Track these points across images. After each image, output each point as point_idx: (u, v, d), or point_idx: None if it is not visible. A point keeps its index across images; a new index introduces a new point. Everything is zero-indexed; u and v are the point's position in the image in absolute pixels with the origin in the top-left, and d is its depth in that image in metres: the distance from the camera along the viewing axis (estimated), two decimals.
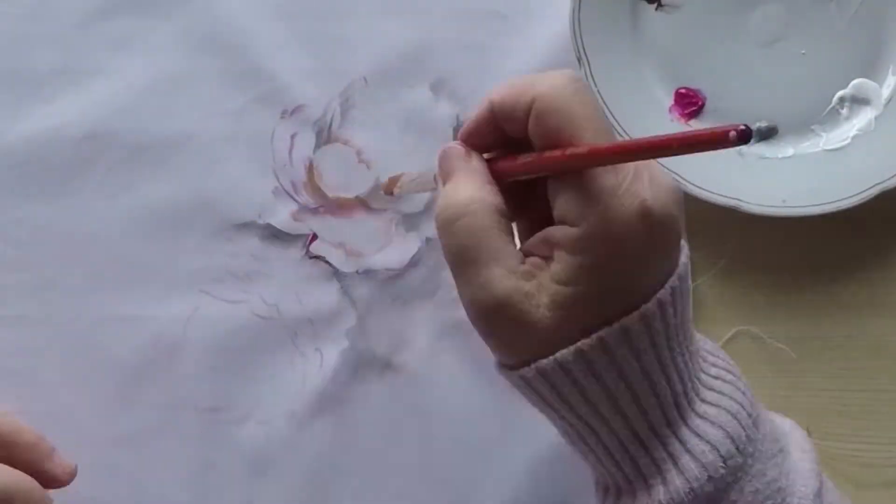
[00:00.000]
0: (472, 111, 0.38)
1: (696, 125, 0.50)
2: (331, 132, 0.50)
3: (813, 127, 0.50)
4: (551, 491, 0.48)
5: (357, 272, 0.50)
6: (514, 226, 0.38)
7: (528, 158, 0.36)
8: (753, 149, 0.50)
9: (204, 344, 0.49)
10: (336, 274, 0.50)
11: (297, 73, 0.50)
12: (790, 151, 0.50)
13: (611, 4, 0.49)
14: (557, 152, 0.34)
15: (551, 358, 0.35)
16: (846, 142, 0.50)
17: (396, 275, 0.50)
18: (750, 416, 0.37)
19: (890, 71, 0.50)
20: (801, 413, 0.48)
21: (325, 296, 0.49)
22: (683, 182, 0.48)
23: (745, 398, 0.37)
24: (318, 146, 0.50)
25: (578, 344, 0.34)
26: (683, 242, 0.37)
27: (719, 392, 0.37)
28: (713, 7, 0.50)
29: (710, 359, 0.39)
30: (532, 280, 0.35)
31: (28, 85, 0.50)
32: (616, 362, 0.34)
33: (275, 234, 0.50)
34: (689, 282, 0.37)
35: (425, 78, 0.50)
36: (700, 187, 0.48)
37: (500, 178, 0.37)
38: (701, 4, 0.50)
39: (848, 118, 0.50)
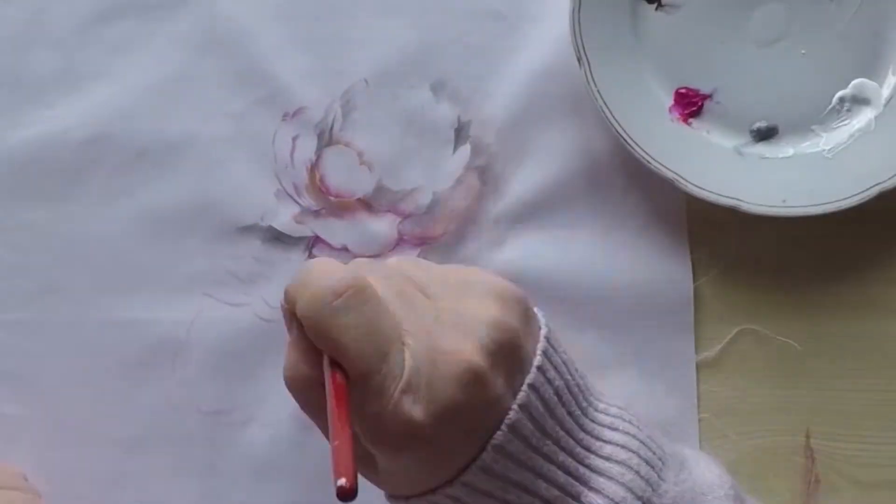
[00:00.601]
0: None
1: (696, 124, 0.50)
2: (332, 134, 0.50)
3: (813, 127, 0.50)
4: None
5: None
6: None
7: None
8: (754, 149, 0.50)
9: (207, 347, 0.49)
10: None
11: (298, 76, 0.50)
12: (790, 151, 0.50)
13: (611, 4, 0.49)
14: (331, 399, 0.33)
15: (437, 491, 0.35)
16: (846, 142, 0.50)
17: None
18: (648, 481, 0.36)
19: (890, 71, 0.50)
20: (802, 412, 0.49)
21: None
22: (683, 182, 0.48)
23: (643, 462, 0.36)
24: (319, 148, 0.50)
25: (446, 490, 0.34)
26: (540, 318, 0.37)
27: (614, 465, 0.36)
28: (713, 7, 0.50)
29: (607, 434, 0.37)
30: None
31: (29, 89, 0.50)
32: (487, 492, 0.34)
33: (277, 237, 0.50)
34: (561, 356, 0.37)
35: (426, 79, 0.50)
36: (700, 187, 0.48)
37: None
38: (701, 4, 0.50)
39: (848, 118, 0.50)
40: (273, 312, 0.49)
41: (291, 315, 0.35)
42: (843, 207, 0.48)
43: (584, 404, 0.37)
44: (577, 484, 0.35)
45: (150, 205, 0.50)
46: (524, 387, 0.35)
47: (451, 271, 0.37)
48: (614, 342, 0.49)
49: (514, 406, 0.34)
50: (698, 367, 0.49)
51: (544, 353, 0.35)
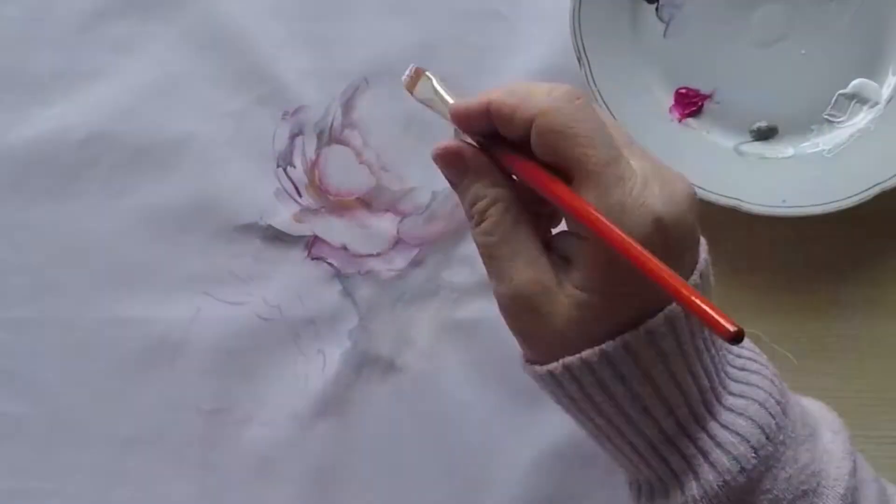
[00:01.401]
0: (465, 100, 0.37)
1: (695, 125, 0.51)
2: (332, 133, 0.50)
3: (813, 127, 0.50)
4: (554, 491, 0.49)
5: (359, 273, 0.50)
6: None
7: (530, 174, 0.36)
8: (754, 149, 0.50)
9: (206, 345, 0.49)
10: (338, 275, 0.50)
11: (297, 74, 0.50)
12: (790, 151, 0.50)
13: (611, 5, 0.49)
14: (559, 189, 0.34)
15: (577, 356, 0.35)
16: (846, 142, 0.50)
17: (398, 275, 0.50)
18: (779, 403, 0.37)
19: (890, 71, 0.50)
20: None
21: (327, 297, 0.49)
22: None
23: (774, 386, 0.37)
24: (319, 147, 0.50)
25: (602, 346, 0.34)
26: (701, 238, 0.37)
27: (746, 383, 0.37)
28: (713, 7, 0.50)
29: (736, 349, 0.39)
30: (553, 278, 0.35)
31: (29, 87, 0.50)
32: (641, 365, 0.35)
33: (276, 236, 0.50)
34: (711, 276, 0.37)
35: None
36: (700, 187, 0.48)
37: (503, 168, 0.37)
38: (701, 5, 0.50)
39: (848, 118, 0.50)
40: (272, 311, 0.49)
41: (479, 127, 0.37)
42: (842, 207, 0.48)
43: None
44: (712, 398, 0.36)
45: (149, 203, 0.50)
46: (701, 260, 0.36)
47: None
48: None
49: (697, 272, 0.35)
50: None
51: (705, 260, 0.36)
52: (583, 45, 0.48)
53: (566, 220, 0.36)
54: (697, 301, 0.30)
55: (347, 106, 0.50)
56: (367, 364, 0.49)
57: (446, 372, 0.49)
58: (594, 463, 0.48)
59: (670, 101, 0.51)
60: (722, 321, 0.30)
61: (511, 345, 0.48)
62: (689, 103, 0.51)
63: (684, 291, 0.31)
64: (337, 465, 0.49)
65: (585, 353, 0.35)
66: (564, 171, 0.34)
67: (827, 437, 0.38)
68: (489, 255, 0.36)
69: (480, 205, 0.36)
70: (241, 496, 0.49)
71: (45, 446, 0.49)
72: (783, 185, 0.49)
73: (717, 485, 0.35)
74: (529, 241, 0.36)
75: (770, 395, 0.37)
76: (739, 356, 0.38)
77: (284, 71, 0.50)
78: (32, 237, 0.50)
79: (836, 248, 0.50)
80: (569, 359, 0.35)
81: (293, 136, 0.50)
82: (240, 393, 0.49)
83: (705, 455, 0.36)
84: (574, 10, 0.48)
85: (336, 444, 0.49)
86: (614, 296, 0.34)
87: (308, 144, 0.50)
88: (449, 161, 0.38)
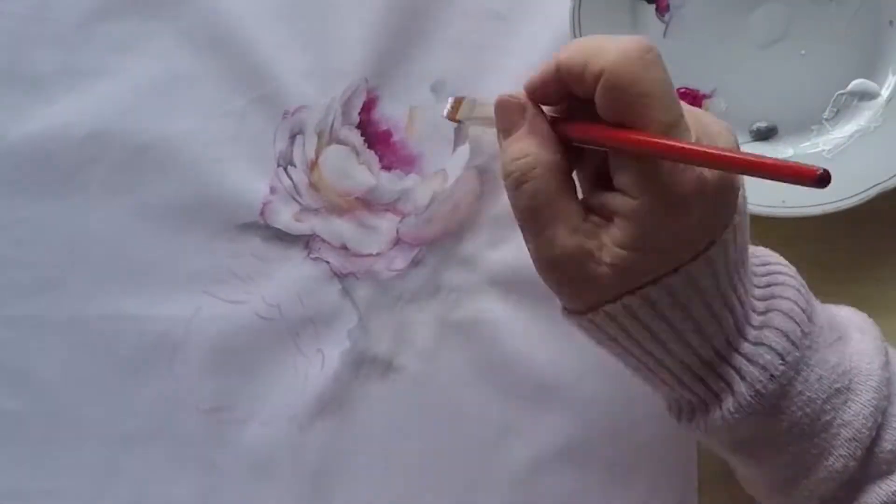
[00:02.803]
0: (539, 66, 0.37)
1: None
2: (332, 133, 0.50)
3: (813, 127, 0.50)
4: (552, 491, 0.49)
5: (358, 273, 0.50)
6: (575, 176, 0.38)
7: (593, 130, 0.36)
8: (753, 149, 0.50)
9: (206, 344, 0.49)
10: (337, 274, 0.50)
11: (298, 74, 0.50)
12: (790, 151, 0.50)
13: (610, 4, 0.49)
14: (624, 135, 0.34)
15: (618, 303, 0.36)
16: (846, 142, 0.50)
17: (398, 275, 0.50)
18: (804, 311, 0.38)
19: (889, 71, 0.50)
20: None
21: (327, 296, 0.50)
22: None
23: (799, 294, 0.39)
24: (319, 147, 0.50)
25: (644, 290, 0.35)
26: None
27: (771, 296, 0.39)
28: (713, 7, 0.50)
29: (761, 266, 0.40)
30: (594, 239, 0.35)
31: (31, 85, 0.50)
32: (680, 302, 0.36)
33: (276, 235, 0.50)
34: (747, 207, 0.38)
35: (426, 79, 0.50)
36: None
37: (561, 137, 0.37)
38: (701, 4, 0.50)
39: (848, 118, 0.50)
40: (271, 310, 0.49)
41: (547, 92, 0.37)
42: (842, 207, 0.48)
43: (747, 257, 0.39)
44: (744, 321, 0.38)
45: (150, 202, 0.50)
46: (735, 211, 0.36)
47: None
48: None
49: (737, 213, 0.36)
50: None
51: (743, 197, 0.37)
52: None
53: (615, 177, 0.35)
54: (776, 163, 0.31)
55: (348, 106, 0.50)
56: (365, 364, 0.49)
57: (445, 372, 0.49)
58: (593, 463, 0.48)
59: None
60: (805, 169, 0.30)
61: (510, 345, 0.48)
62: (690, 103, 0.50)
63: (767, 161, 0.31)
64: (336, 464, 0.49)
65: (626, 300, 0.36)
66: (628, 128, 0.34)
67: (856, 337, 0.40)
68: (531, 218, 0.36)
69: (523, 162, 0.36)
70: (239, 495, 0.49)
71: (44, 444, 0.49)
72: (783, 186, 0.48)
73: (750, 394, 0.37)
74: (572, 206, 0.36)
75: (795, 303, 0.38)
76: (767, 272, 0.40)
77: (285, 71, 0.50)
78: (33, 234, 0.50)
79: (836, 247, 0.50)
80: (609, 307, 0.36)
81: (293, 136, 0.50)
82: (239, 392, 0.49)
83: (738, 371, 0.37)
84: (574, 10, 0.48)
85: (334, 443, 0.49)
86: (656, 251, 0.35)
87: (308, 144, 0.50)
88: (509, 108, 0.38)
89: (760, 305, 0.38)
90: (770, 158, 0.31)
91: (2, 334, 0.49)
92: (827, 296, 0.48)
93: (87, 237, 0.50)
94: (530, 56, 0.50)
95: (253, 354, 0.49)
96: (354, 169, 0.50)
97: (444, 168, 0.50)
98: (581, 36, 0.48)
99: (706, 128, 0.36)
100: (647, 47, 0.34)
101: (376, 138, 0.50)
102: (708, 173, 0.34)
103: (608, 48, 0.34)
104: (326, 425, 0.49)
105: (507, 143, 0.38)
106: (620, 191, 0.35)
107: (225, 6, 0.50)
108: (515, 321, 0.49)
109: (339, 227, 0.50)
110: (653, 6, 0.50)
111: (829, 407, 0.37)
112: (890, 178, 0.48)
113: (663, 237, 0.35)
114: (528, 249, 0.38)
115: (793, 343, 0.37)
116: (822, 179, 0.29)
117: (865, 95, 0.50)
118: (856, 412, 0.37)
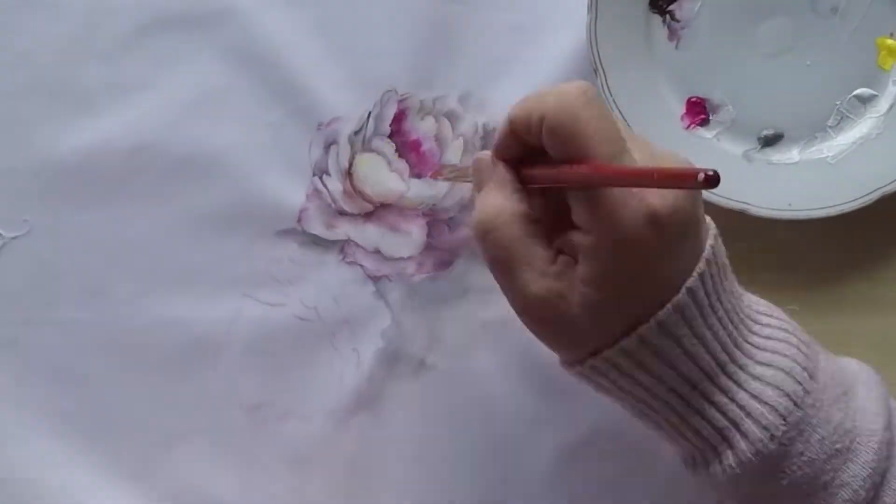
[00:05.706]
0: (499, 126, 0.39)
1: (704, 133, 0.52)
2: (365, 142, 0.51)
3: (817, 134, 0.51)
4: (583, 488, 0.50)
5: (391, 275, 0.51)
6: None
7: (544, 171, 0.37)
8: (761, 155, 0.51)
9: (247, 345, 0.50)
10: (371, 277, 0.51)
11: (332, 87, 0.51)
12: (796, 157, 0.51)
13: (626, 18, 0.50)
14: (566, 170, 0.36)
15: (599, 356, 0.37)
16: (849, 148, 0.51)
17: (429, 278, 0.51)
18: (805, 369, 0.38)
19: (890, 81, 0.51)
20: None
21: (361, 298, 0.50)
22: None
23: (800, 352, 0.38)
24: (352, 156, 0.51)
25: (620, 343, 0.36)
26: (709, 221, 0.38)
27: (772, 351, 0.38)
28: (723, 21, 0.51)
29: (764, 319, 0.39)
30: (563, 281, 0.36)
31: (78, 99, 0.51)
32: (659, 352, 0.36)
33: (313, 241, 0.51)
34: (724, 258, 0.38)
35: (454, 90, 0.51)
36: (710, 191, 0.48)
37: (528, 185, 0.39)
38: (711, 18, 0.51)
39: (851, 126, 0.51)
40: (309, 312, 0.50)
41: (508, 146, 0.38)
42: (846, 211, 0.49)
43: (739, 292, 0.39)
44: (735, 368, 0.37)
45: (192, 210, 0.51)
46: (710, 239, 0.37)
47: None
48: None
49: (703, 259, 0.36)
50: None
51: (711, 246, 0.37)
52: (599, 56, 0.49)
53: (573, 214, 0.36)
54: (662, 170, 0.31)
55: (379, 116, 0.51)
56: (399, 362, 0.50)
57: (474, 370, 0.50)
58: (620, 450, 0.49)
59: (682, 109, 0.52)
60: (691, 172, 0.29)
61: (536, 343, 0.50)
62: (700, 112, 0.52)
63: (654, 170, 0.31)
64: (369, 458, 0.50)
65: (605, 353, 0.36)
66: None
67: (862, 393, 0.39)
68: (501, 265, 0.37)
69: (488, 213, 0.37)
70: (279, 487, 0.50)
71: (92, 441, 0.50)
72: (789, 190, 0.50)
73: (751, 453, 0.37)
74: (538, 251, 0.37)
75: (796, 361, 0.38)
76: (768, 325, 0.39)
77: (319, 84, 0.51)
78: (82, 242, 0.50)
79: (840, 250, 0.51)
80: (591, 361, 0.37)
81: (328, 146, 0.51)
82: (278, 389, 0.50)
83: (737, 425, 0.37)
84: (591, 23, 0.49)
85: (369, 438, 0.50)
86: (621, 290, 0.35)
87: (342, 153, 0.51)
88: (480, 167, 0.40)
89: (761, 356, 0.38)
90: (658, 168, 0.32)
91: (54, 338, 0.50)
92: (830, 296, 0.49)
93: (133, 244, 0.50)
94: (551, 67, 0.51)
95: (291, 354, 0.50)
96: (386, 177, 0.51)
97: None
98: (598, 48, 0.49)
99: (659, 158, 0.36)
100: (583, 88, 0.36)
101: (407, 147, 0.51)
102: (657, 203, 0.34)
103: (547, 96, 0.36)
104: (362, 420, 0.50)
105: (477, 199, 0.39)
106: (578, 227, 0.36)
107: (262, 22, 0.51)
108: None
109: (372, 233, 0.51)
110: (665, 19, 0.51)
111: (829, 467, 0.37)
112: (891, 183, 0.49)
113: (624, 273, 0.35)
114: (507, 300, 0.38)
115: (795, 403, 0.37)
116: (709, 180, 0.29)
117: (867, 104, 0.51)
118: (854, 473, 0.37)
